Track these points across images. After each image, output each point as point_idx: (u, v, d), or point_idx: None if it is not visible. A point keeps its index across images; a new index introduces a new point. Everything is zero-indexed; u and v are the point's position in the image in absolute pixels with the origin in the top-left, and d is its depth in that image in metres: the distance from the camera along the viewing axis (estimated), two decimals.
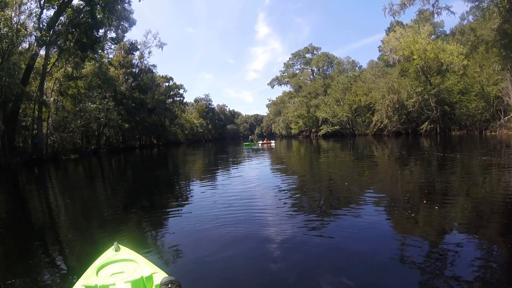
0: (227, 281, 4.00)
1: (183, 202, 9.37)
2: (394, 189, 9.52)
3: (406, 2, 38.31)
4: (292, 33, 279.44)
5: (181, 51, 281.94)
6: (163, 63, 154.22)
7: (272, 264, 4.44)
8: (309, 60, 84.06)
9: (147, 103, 61.95)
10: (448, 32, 54.15)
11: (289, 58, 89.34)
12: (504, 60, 34.38)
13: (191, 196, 10.28)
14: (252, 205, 8.12)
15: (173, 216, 7.67)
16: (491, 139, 28.59)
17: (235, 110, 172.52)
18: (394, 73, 50.66)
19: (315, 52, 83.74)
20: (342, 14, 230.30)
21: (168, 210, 8.44)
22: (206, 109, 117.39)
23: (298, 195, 9.22)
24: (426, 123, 44.66)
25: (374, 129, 53.94)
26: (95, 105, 43.36)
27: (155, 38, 65.37)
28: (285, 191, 9.70)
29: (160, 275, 2.72)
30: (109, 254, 3.28)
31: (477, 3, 35.77)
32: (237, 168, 18.58)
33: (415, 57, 41.35)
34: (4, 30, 26.06)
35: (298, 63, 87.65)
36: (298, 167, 17.87)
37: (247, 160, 23.19)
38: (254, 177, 13.75)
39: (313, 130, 75.81)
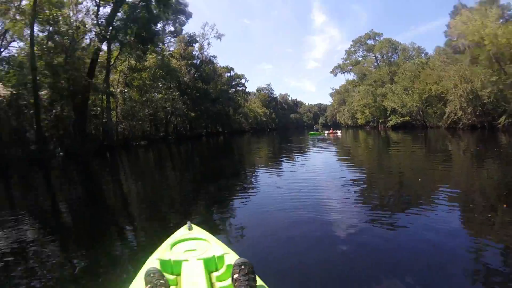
0: (293, 265, 4.10)
1: (250, 187, 9.66)
2: (470, 188, 8.82)
3: None
4: (349, 20, 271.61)
5: (239, 42, 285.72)
6: (223, 55, 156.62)
7: (335, 254, 4.46)
8: (372, 47, 80.00)
9: (210, 92, 63.81)
10: None
11: (350, 45, 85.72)
12: None
13: (257, 182, 10.48)
14: (318, 193, 8.16)
15: (241, 200, 7.92)
16: None
17: (298, 99, 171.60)
18: (465, 60, 45.74)
19: (376, 38, 79.51)
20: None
21: (235, 194, 8.76)
22: (268, 98, 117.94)
23: (365, 187, 9.09)
24: (504, 116, 39.90)
25: (448, 122, 49.38)
26: (160, 95, 45.58)
27: (212, 30, 66.25)
28: (352, 182, 9.54)
29: (231, 256, 2.76)
30: (182, 232, 3.41)
31: None
32: (302, 157, 18.47)
33: (486, 42, 37.24)
34: (65, 28, 28.33)
35: (360, 50, 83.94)
36: (366, 159, 17.40)
37: (312, 150, 23.01)
38: (319, 166, 13.72)
39: (380, 121, 72.27)
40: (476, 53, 43.24)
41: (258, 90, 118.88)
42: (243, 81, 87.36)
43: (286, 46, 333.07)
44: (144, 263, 2.82)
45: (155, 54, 41.96)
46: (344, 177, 10.41)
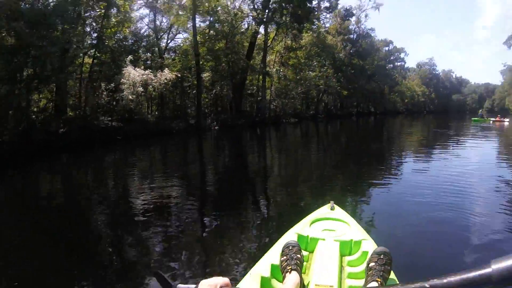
0: (432, 263, 3.89)
1: (394, 174, 9.45)
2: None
3: None
4: None
5: (399, 11, 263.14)
6: (381, 26, 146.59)
7: (470, 260, 3.98)
8: None
9: (366, 69, 60.31)
10: None
11: None
12: None
13: (403, 169, 10.18)
14: (467, 191, 7.20)
15: (384, 186, 7.70)
16: None
17: (463, 77, 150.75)
18: None
19: None
20: None
21: (379, 179, 8.56)
22: (429, 76, 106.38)
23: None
24: None
25: None
26: (314, 73, 45.32)
27: (370, 0, 61.76)
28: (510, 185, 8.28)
29: (369, 243, 2.58)
30: (324, 210, 3.35)
31: None
32: (458, 147, 16.36)
33: None
34: (224, 16, 30.84)
35: None
36: None
37: (473, 140, 20.13)
38: (476, 161, 12.01)
39: None
40: None
41: (419, 65, 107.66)
42: (402, 55, 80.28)
43: (452, 12, 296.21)
44: (283, 234, 2.80)
45: (311, 32, 41.33)
46: (502, 176, 9.05)
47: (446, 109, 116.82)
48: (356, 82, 55.79)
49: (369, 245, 2.54)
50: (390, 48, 77.02)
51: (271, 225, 5.02)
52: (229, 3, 33.78)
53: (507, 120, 42.18)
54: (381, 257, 2.12)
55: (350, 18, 57.74)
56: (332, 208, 3.35)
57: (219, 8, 30.98)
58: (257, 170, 10.09)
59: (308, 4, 36.03)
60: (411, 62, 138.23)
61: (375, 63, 64.12)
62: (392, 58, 78.14)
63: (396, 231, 4.89)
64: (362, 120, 46.31)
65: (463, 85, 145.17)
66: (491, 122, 40.71)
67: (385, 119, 51.66)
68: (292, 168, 10.42)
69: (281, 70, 40.18)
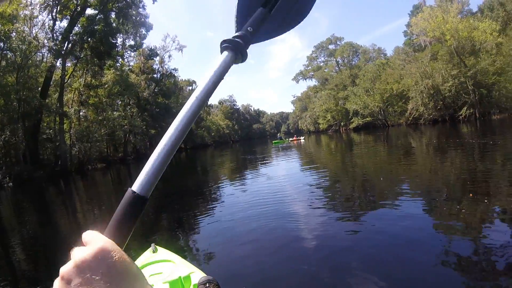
0: (262, 277, 3.99)
1: (214, 202, 9.45)
2: (434, 181, 8.87)
3: None
4: (310, 28, 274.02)
5: (202, 55, 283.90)
6: (185, 68, 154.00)
7: (305, 261, 4.34)
8: (333, 52, 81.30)
9: (171, 107, 61.17)
10: (474, 10, 50.59)
11: (312, 51, 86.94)
12: None
13: (222, 196, 10.22)
14: (283, 202, 7.90)
15: (205, 216, 7.64)
16: None
17: (260, 109, 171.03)
18: (426, 57, 47.43)
19: (338, 42, 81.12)
20: (359, 2, 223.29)
21: (200, 210, 8.44)
22: (231, 110, 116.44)
23: (330, 191, 9.04)
24: (465, 108, 41.51)
25: (410, 118, 50.82)
26: (117, 113, 42.83)
27: (173, 41, 63.81)
28: (316, 187, 9.49)
29: (197, 275, 2.68)
30: (147, 255, 3.27)
31: None
32: (266, 167, 18.10)
33: (447, 37, 38.86)
34: (17, 43, 26.20)
35: (322, 55, 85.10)
36: (329, 163, 17.37)
37: (276, 159, 22.61)
38: (283, 174, 13.47)
39: (342, 124, 73.53)
40: (435, 49, 44.94)
41: (221, 102, 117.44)
42: None
43: (249, 58, 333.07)
44: None
45: (113, 70, 39.40)
46: (308, 183, 10.28)
47: (249, 137, 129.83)
48: (162, 120, 55.99)
49: (199, 277, 2.61)
50: (193, 88, 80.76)
51: None
52: (26, 28, 28.78)
53: (303, 138, 50.75)
54: (207, 285, 2.22)
55: (154, 58, 58.53)
56: (154, 251, 3.33)
57: (13, 33, 26.30)
58: (63, 231, 8.75)
59: (111, 40, 34.69)
60: (213, 100, 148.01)
61: (180, 101, 65.88)
62: None
63: (223, 256, 4.97)
64: (174, 156, 45.82)
65: (261, 115, 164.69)
66: (289, 141, 46.95)
67: (197, 152, 53.03)
68: (105, 218, 9.32)
69: (81, 110, 36.88)
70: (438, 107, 45.53)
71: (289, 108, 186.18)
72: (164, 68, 61.05)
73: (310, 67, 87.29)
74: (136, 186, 0.57)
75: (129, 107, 45.96)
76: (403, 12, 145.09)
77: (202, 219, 7.47)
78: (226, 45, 0.70)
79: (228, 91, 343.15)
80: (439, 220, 5.59)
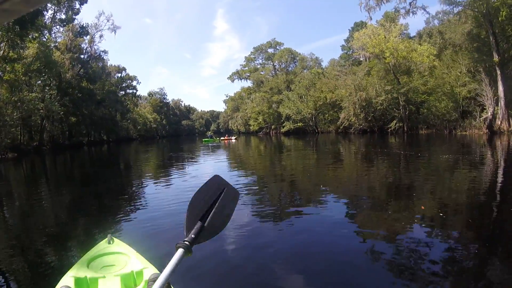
0: (208, 275, 3.94)
1: (140, 201, 8.84)
2: (360, 187, 9.45)
3: None
4: (250, 31, 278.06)
5: (137, 42, 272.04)
6: (116, 53, 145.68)
7: (231, 259, 4.44)
8: (272, 55, 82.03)
9: (96, 94, 55.90)
10: (412, 34, 54.27)
11: (251, 52, 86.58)
12: (476, 63, 34.95)
13: (146, 196, 9.45)
14: None
15: (129, 213, 7.30)
16: (461, 138, 29.10)
17: (191, 105, 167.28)
18: (362, 71, 49.96)
19: (277, 47, 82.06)
20: (301, 14, 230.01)
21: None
22: (160, 104, 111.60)
23: (256, 192, 9.08)
24: (394, 121, 44.41)
25: (340, 127, 52.96)
26: (35, 94, 36.59)
27: (108, 21, 58.61)
28: (244, 187, 9.40)
29: (150, 270, 2.64)
30: (102, 246, 3.15)
31: (452, 6, 35.25)
32: (194, 166, 17.43)
33: (387, 54, 41.02)
34: None
35: (260, 57, 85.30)
36: (259, 164, 17.67)
37: (205, 157, 22.26)
38: (211, 174, 11.74)
39: (273, 127, 74.44)
40: (371, 65, 47.66)
41: (150, 94, 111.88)
42: (134, 83, 79.73)
43: (185, 51, 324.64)
44: (57, 282, 2.54)
45: (37, 43, 33.97)
46: (237, 182, 10.14)
47: (178, 133, 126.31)
48: (85, 107, 50.82)
49: (151, 272, 2.56)
50: (122, 75, 75.82)
51: (45, 275, 4.11)
52: None
53: (234, 138, 50.07)
54: None
55: (84, 37, 52.50)
56: (110, 242, 3.21)
57: None
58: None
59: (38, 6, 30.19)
60: (143, 91, 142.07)
61: (106, 88, 61.05)
62: (124, 85, 76.67)
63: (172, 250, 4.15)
64: (95, 150, 41.49)
65: (191, 112, 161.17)
66: (220, 140, 46.18)
67: (120, 147, 48.46)
68: (65, 207, 8.75)
69: None
70: (369, 119, 48.05)
71: (220, 107, 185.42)
72: (94, 49, 54.96)
73: (247, 68, 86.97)
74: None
75: (47, 88, 40.62)
76: (343, 28, 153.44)
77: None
78: (180, 245, 1.20)
79: (161, 84, 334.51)
80: (362, 223, 5.85)
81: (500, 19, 30.97)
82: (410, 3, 37.43)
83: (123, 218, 6.94)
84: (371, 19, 41.81)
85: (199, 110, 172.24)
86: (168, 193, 9.32)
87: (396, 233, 5.20)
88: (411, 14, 38.15)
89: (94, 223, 6.79)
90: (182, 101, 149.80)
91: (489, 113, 32.25)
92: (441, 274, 3.73)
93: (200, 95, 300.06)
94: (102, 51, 58.40)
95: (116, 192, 10.67)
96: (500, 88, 32.11)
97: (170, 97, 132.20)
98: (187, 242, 1.22)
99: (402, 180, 10.16)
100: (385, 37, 41.77)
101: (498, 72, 32.24)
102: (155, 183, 11.74)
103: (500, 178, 9.96)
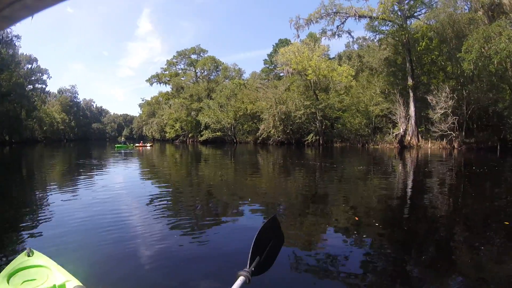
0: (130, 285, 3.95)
1: (50, 212, 7.91)
2: (278, 196, 9.75)
3: (312, 19, 40.10)
4: (174, 35, 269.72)
5: (55, 31, 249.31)
6: (30, 41, 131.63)
7: (151, 272, 4.34)
8: (195, 61, 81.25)
9: (1, 85, 50.84)
10: (331, 56, 58.72)
11: (174, 56, 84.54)
12: (391, 85, 39.79)
13: (54, 206, 8.51)
14: (122, 212, 7.65)
15: (82, 221, 6.84)
16: (373, 151, 32.11)
17: (103, 107, 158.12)
18: (284, 85, 52.54)
19: (201, 54, 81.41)
20: (228, 25, 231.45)
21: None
22: (70, 103, 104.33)
23: (175, 204, 8.95)
24: (311, 134, 47.50)
25: (260, 138, 54.36)
26: None
27: None
28: (158, 197, 9.49)
29: (72, 283, 2.61)
30: (21, 259, 3.01)
31: (376, 33, 39.73)
32: (106, 174, 16.42)
33: (309, 71, 43.91)
34: None
35: (182, 62, 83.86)
36: (176, 173, 17.34)
37: (118, 165, 21.56)
38: (125, 183, 12.92)
39: (190, 135, 73.68)
40: (291, 80, 50.79)
41: (60, 91, 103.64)
42: (45, 77, 74.08)
43: (104, 48, 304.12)
44: None
45: None
46: (150, 193, 10.10)
47: (87, 137, 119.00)
48: None
49: (73, 285, 2.53)
50: (33, 67, 69.83)
51: None
52: None
53: (149, 145, 48.59)
54: None
55: None
56: (29, 254, 3.08)
57: None
58: None
59: None
60: (53, 87, 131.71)
61: (14, 80, 55.24)
62: (33, 78, 70.51)
63: (92, 258, 4.75)
64: None
65: (103, 114, 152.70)
66: (134, 147, 45.26)
67: (23, 149, 44.08)
68: None
69: None
70: (287, 131, 50.36)
71: (135, 111, 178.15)
72: (6, 32, 50.11)
73: (167, 72, 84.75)
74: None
75: None
76: (268, 43, 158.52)
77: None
78: (242, 274, 1.41)
79: (73, 80, 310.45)
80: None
81: (419, 48, 36.30)
82: (337, 26, 40.86)
83: (35, 230, 6.38)
84: (298, 36, 44.07)
85: (112, 113, 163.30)
86: (75, 205, 8.61)
87: (313, 238, 5.69)
88: (336, 37, 41.50)
89: (4, 235, 6.27)
90: (94, 102, 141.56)
91: (401, 130, 36.74)
92: (358, 274, 4.13)
93: (115, 96, 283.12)
94: (15, 36, 53.79)
95: (21, 202, 9.75)
96: (412, 108, 37.09)
97: (82, 96, 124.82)
98: (248, 273, 1.45)
99: (318, 188, 10.88)
100: (308, 55, 44.53)
101: (411, 94, 37.28)
102: (63, 193, 10.77)
103: (409, 186, 11.38)
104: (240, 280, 1.38)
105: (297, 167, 17.89)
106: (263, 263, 1.59)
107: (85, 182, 13.07)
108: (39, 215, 7.64)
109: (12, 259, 3.08)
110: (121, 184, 12.58)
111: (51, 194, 10.56)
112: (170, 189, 11.46)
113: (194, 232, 6.12)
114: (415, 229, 6.35)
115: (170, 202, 9.04)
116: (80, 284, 2.61)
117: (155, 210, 7.82)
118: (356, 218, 6.59)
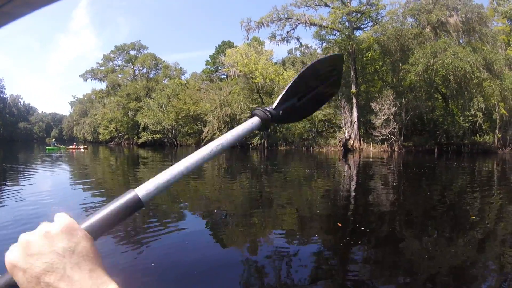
0: None
1: None
2: (222, 200, 9.84)
3: (264, 22, 40.62)
4: (109, 30, 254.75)
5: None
6: None
7: None
8: (134, 58, 75.73)
9: None
10: (274, 61, 58.36)
11: (111, 51, 77.74)
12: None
13: None
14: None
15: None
16: (318, 154, 33.39)
17: (31, 104, 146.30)
18: (229, 87, 52.02)
19: (141, 50, 76.39)
20: (168, 24, 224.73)
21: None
22: None
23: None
24: (257, 137, 47.07)
25: (204, 140, 52.19)
26: None
27: None
28: (95, 208, 8.02)
29: None
30: None
31: (323, 42, 41.97)
32: (33, 180, 15.28)
33: (257, 74, 43.99)
34: None
35: (120, 58, 77.76)
36: (112, 179, 16.70)
37: (52, 168, 20.62)
38: (54, 190, 11.94)
39: (125, 137, 68.72)
40: (234, 82, 51.07)
41: None
42: None
43: (34, 39, 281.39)
44: None
45: None
46: (84, 201, 9.79)
47: (13, 139, 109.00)
48: None
49: None
50: None
51: None
52: None
53: (83, 147, 45.75)
54: None
55: None
56: None
57: None
58: None
59: None
60: None
61: None
62: None
63: None
64: None
65: (30, 113, 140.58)
66: (66, 149, 42.69)
67: None
68: None
69: None
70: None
71: (65, 110, 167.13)
72: None
73: (104, 67, 77.94)
74: (140, 191, 0.63)
75: None
76: (210, 45, 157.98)
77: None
78: (258, 113, 0.87)
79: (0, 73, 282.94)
80: (227, 235, 6.12)
81: (364, 58, 38.77)
82: (287, 32, 41.80)
83: None
84: (248, 38, 44.18)
85: (40, 112, 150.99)
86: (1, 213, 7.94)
87: (259, 240, 5.70)
88: (285, 42, 42.63)
89: None
90: (21, 98, 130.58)
91: (346, 134, 38.66)
92: (305, 272, 4.19)
93: (43, 92, 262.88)
94: None
95: None
96: (355, 114, 39.01)
97: (8, 92, 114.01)
98: (268, 113, 0.87)
99: (263, 191, 10.98)
100: (255, 58, 44.74)
101: (354, 101, 39.17)
102: None
103: (353, 186, 11.98)
104: (254, 120, 0.85)
105: (242, 170, 18.20)
106: (299, 108, 0.98)
107: (11, 192, 11.62)
108: None
109: None
110: (51, 192, 11.54)
111: None
112: (105, 198, 10.51)
113: (132, 244, 5.74)
114: (360, 226, 6.51)
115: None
116: None
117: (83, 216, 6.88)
118: (300, 219, 6.89)
